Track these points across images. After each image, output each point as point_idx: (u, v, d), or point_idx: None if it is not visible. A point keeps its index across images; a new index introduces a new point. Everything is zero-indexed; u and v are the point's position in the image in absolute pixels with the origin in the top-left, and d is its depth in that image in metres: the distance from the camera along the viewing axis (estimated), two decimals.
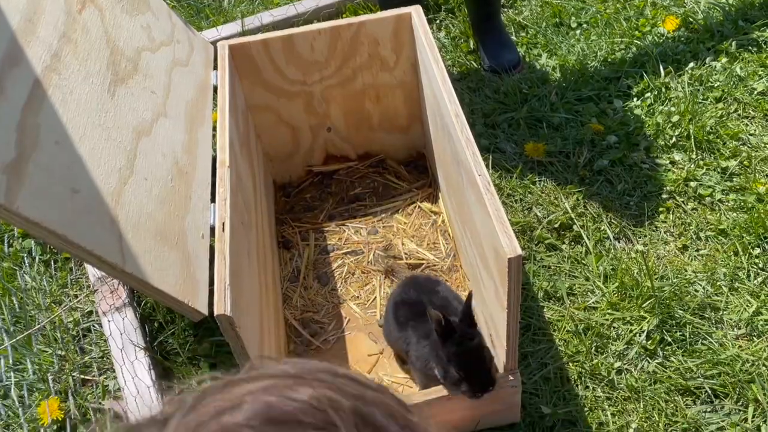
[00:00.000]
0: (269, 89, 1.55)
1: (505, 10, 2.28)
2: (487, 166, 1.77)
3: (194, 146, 1.17)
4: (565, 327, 1.44)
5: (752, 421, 1.28)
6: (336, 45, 1.50)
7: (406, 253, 1.57)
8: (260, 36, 1.45)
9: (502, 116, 1.91)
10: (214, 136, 1.32)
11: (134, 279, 0.86)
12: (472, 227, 1.23)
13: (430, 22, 2.26)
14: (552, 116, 1.87)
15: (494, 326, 1.18)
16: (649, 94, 1.89)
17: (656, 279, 1.48)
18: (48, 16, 0.98)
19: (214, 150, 1.22)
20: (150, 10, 1.27)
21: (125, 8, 1.19)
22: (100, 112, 0.97)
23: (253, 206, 1.36)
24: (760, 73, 1.93)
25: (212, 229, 1.07)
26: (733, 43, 1.99)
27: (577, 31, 2.16)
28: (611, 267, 1.53)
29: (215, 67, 1.40)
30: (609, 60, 2.03)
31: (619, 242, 1.60)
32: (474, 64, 2.09)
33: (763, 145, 1.74)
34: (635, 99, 1.90)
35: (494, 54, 2.03)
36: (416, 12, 1.47)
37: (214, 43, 2.04)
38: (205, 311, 0.97)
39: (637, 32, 2.10)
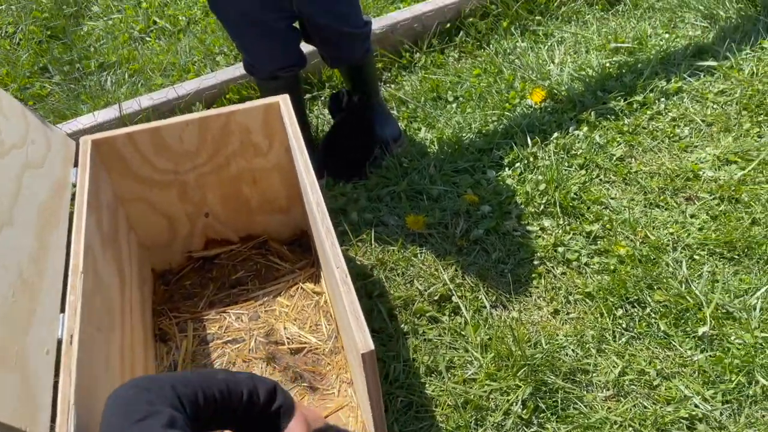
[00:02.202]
0: (139, 181, 1.53)
1: (388, 85, 2.37)
2: (370, 240, 1.82)
3: (44, 253, 1.13)
4: (445, 401, 1.46)
5: None
6: (206, 136, 1.51)
7: (288, 338, 1.56)
8: (125, 129, 1.44)
9: (385, 190, 1.97)
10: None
11: None
12: (336, 309, 1.24)
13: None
14: (431, 188, 1.95)
15: (366, 414, 1.19)
16: (519, 164, 2.00)
17: (529, 346, 1.54)
18: None
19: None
20: (0, 112, 1.24)
21: None
22: None
23: (119, 307, 1.31)
24: (618, 139, 2.09)
25: (60, 342, 1.03)
26: (593, 113, 2.15)
27: (454, 105, 2.27)
28: (488, 336, 1.57)
29: (76, 164, 1.37)
30: (483, 132, 2.14)
31: (496, 310, 1.66)
32: None
33: (622, 208, 1.87)
34: (507, 169, 2.00)
35: (376, 129, 2.10)
36: (284, 101, 1.51)
37: (88, 131, 2.02)
38: None
39: (507, 104, 2.24)
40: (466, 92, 2.30)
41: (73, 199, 1.32)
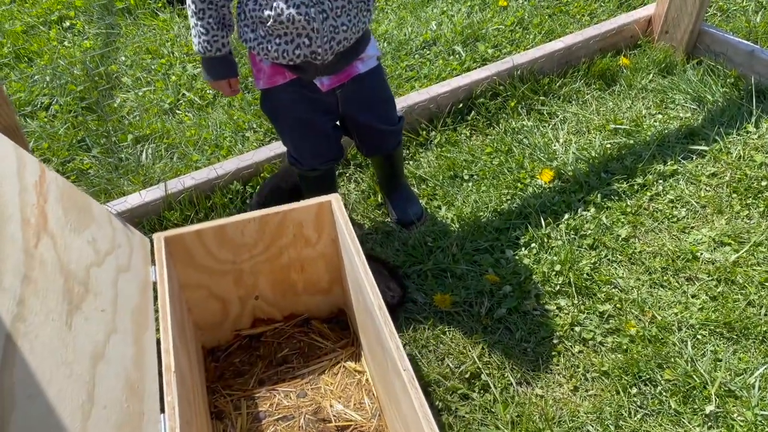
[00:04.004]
0: (201, 270, 1.67)
1: (407, 162, 2.55)
2: (399, 318, 1.97)
3: (142, 356, 1.26)
4: None
5: None
6: (264, 230, 1.66)
7: (334, 416, 1.69)
8: (194, 227, 1.59)
9: (412, 268, 2.13)
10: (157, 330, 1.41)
11: None
12: (396, 404, 1.38)
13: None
14: (455, 267, 2.11)
15: None
16: (534, 244, 2.19)
17: (555, 424, 1.70)
18: (9, 263, 1.07)
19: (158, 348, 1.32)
20: (94, 221, 1.38)
21: (73, 227, 1.30)
22: (61, 349, 1.05)
23: (191, 392, 1.44)
24: (623, 220, 2.29)
25: None
26: (599, 195, 2.35)
27: (470, 183, 2.46)
28: (517, 414, 1.73)
29: (153, 261, 1.51)
30: (498, 210, 2.33)
31: (521, 387, 1.81)
32: (381, 217, 2.31)
33: (630, 288, 2.06)
34: (523, 248, 2.18)
35: (400, 208, 2.27)
36: (335, 199, 1.67)
37: (136, 210, 2.15)
38: None
39: (519, 184, 2.43)
40: (480, 171, 2.49)
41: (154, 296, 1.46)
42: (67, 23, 3.36)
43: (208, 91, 2.88)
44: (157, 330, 1.35)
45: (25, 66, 3.03)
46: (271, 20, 1.61)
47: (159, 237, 1.55)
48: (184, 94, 2.87)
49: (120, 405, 1.12)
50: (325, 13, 1.62)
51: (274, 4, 1.58)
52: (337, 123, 1.96)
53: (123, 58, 3.11)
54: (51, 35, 3.26)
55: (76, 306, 1.16)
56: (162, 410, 1.21)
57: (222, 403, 1.72)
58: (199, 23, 1.66)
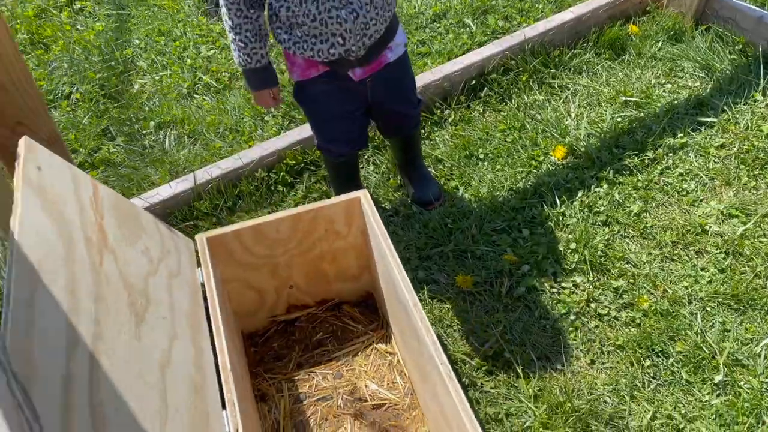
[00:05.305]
0: (240, 266, 1.77)
1: (424, 142, 2.62)
2: (423, 298, 2.08)
3: (200, 357, 1.38)
4: None
5: None
6: (297, 227, 1.75)
7: (369, 395, 1.83)
8: (233, 227, 1.68)
9: (434, 250, 2.23)
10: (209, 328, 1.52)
11: None
12: (432, 389, 1.51)
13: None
14: (475, 248, 2.21)
15: None
16: (550, 222, 2.28)
17: (574, 396, 1.83)
18: (83, 285, 1.17)
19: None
20: (144, 230, 1.47)
21: (127, 239, 1.39)
22: (135, 362, 1.16)
23: (240, 381, 1.56)
24: (634, 195, 2.37)
25: None
26: (611, 171, 2.43)
27: (485, 162, 2.53)
28: (538, 388, 1.86)
29: (198, 262, 1.61)
30: (514, 189, 2.41)
31: (541, 362, 1.94)
32: (402, 199, 2.40)
33: (642, 263, 2.16)
34: (539, 227, 2.28)
35: (419, 189, 2.36)
36: (364, 196, 1.76)
37: (168, 201, 2.24)
38: None
39: (533, 162, 2.50)
40: (495, 149, 2.56)
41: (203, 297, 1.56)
42: (78, 5, 3.36)
43: (223, 73, 2.93)
44: (210, 329, 1.46)
45: (42, 53, 3.06)
46: (306, 26, 1.66)
47: (201, 239, 1.65)
48: (200, 78, 2.91)
49: (188, 406, 1.23)
50: (355, 13, 1.67)
51: (307, 10, 1.63)
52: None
53: (136, 41, 3.13)
54: (63, 18, 3.27)
55: (141, 317, 1.26)
56: (222, 406, 1.33)
57: (264, 386, 1.85)
58: (237, 38, 1.70)
